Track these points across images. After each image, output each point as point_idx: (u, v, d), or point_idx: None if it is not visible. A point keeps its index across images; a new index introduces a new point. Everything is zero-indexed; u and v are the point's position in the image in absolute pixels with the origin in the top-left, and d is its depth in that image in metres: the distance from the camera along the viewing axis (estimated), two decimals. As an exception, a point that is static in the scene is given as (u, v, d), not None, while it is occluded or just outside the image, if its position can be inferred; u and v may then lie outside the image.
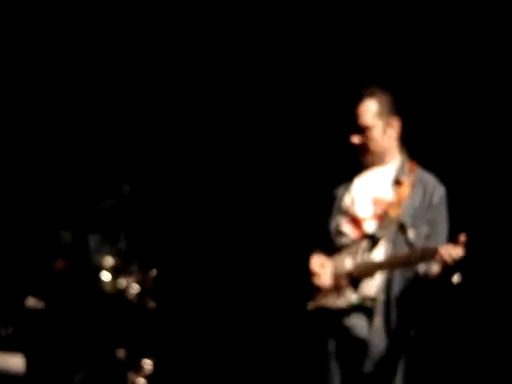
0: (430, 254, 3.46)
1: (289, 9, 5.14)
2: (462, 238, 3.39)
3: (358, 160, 3.75)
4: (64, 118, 5.54)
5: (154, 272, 4.53)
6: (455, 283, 3.47)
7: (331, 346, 3.69)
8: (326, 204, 3.81)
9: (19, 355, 4.28)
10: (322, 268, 3.69)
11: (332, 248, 3.75)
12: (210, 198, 5.51)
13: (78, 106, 5.54)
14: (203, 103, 5.54)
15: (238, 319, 5.30)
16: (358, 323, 3.66)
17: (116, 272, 4.53)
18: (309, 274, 3.72)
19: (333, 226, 3.76)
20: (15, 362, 4.24)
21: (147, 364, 4.28)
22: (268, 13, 5.21)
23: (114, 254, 5.14)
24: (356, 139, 3.68)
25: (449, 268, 3.42)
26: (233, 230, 5.40)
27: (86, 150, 5.50)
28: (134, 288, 4.48)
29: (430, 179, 3.74)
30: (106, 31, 5.38)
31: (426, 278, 3.59)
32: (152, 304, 4.46)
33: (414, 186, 3.69)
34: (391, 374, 3.63)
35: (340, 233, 3.75)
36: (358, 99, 3.68)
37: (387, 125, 3.69)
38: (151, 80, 5.54)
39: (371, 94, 3.67)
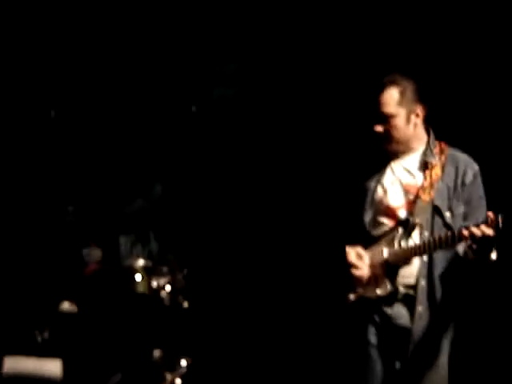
0: (458, 235, 3.42)
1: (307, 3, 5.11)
2: (491, 216, 3.34)
3: (384, 149, 3.71)
4: (94, 120, 5.56)
5: (185, 271, 4.52)
6: (492, 261, 3.42)
7: (372, 335, 3.68)
8: (359, 197, 3.78)
9: (56, 360, 4.30)
10: (359, 259, 3.69)
11: (370, 240, 3.73)
12: (239, 196, 5.50)
13: (109, 108, 5.56)
14: (225, 99, 5.53)
15: (276, 314, 5.27)
16: (399, 312, 3.64)
17: (148, 273, 4.53)
18: (347, 266, 3.71)
19: (368, 218, 3.75)
20: (52, 367, 4.26)
21: (183, 364, 4.28)
22: (286, 8, 5.18)
23: (146, 255, 5.17)
24: (380, 128, 3.65)
25: (477, 247, 3.39)
26: (268, 226, 5.37)
27: (117, 151, 5.51)
28: (167, 288, 4.48)
29: (462, 158, 3.70)
30: (126, 32, 5.38)
31: (466, 258, 3.54)
32: (185, 303, 4.45)
33: (444, 166, 3.66)
34: (435, 362, 3.61)
35: (376, 224, 3.74)
36: (380, 88, 3.64)
37: (411, 112, 3.65)
38: (174, 80, 5.54)
39: (393, 82, 3.64)
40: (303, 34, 5.24)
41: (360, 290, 3.70)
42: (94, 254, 4.90)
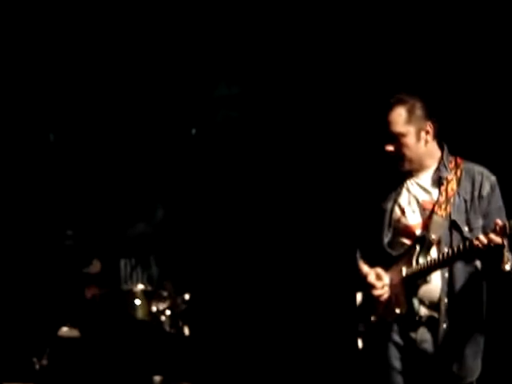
0: (470, 245, 3.35)
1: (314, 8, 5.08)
2: (499, 223, 3.28)
3: (398, 169, 3.66)
4: (95, 143, 5.55)
5: (186, 296, 4.48)
6: (506, 271, 3.34)
7: (396, 360, 3.60)
8: (376, 219, 3.71)
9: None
10: (379, 280, 3.62)
11: (389, 259, 3.66)
12: (243, 220, 5.46)
13: (110, 132, 5.56)
14: (229, 122, 5.50)
15: (283, 341, 5.23)
16: (423, 335, 3.57)
17: (147, 297, 4.49)
18: (367, 287, 3.65)
19: (387, 239, 3.68)
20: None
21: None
22: (293, 11, 5.15)
23: (146, 280, 5.13)
24: (391, 147, 3.60)
25: (486, 256, 3.34)
26: (275, 254, 5.33)
27: (119, 175, 5.49)
28: (167, 313, 4.44)
29: (478, 170, 3.63)
30: (127, 52, 5.37)
31: (484, 271, 3.50)
32: (185, 328, 4.41)
33: (460, 181, 3.61)
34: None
35: (396, 245, 3.67)
36: (388, 107, 3.59)
37: (420, 130, 3.59)
38: (175, 104, 5.53)
39: (400, 101, 3.58)
40: (308, 54, 5.22)
41: (380, 311, 3.65)
42: (94, 265, 4.86)
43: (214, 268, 5.35)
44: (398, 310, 3.58)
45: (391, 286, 3.62)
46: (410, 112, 3.58)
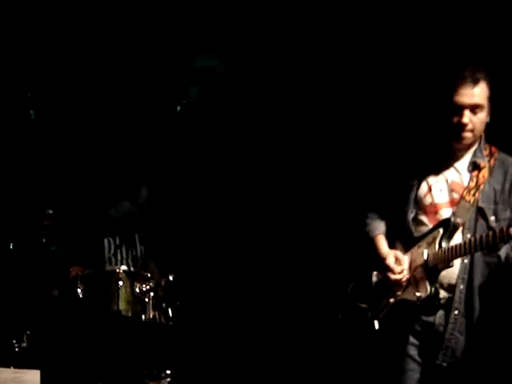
0: (502, 235, 3.32)
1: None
2: None
3: (451, 143, 3.62)
4: (79, 121, 5.44)
5: (170, 277, 4.38)
6: None
7: (412, 347, 3.62)
8: (403, 194, 3.72)
9: (35, 371, 4.14)
10: (398, 263, 3.62)
11: (411, 239, 3.67)
12: (232, 199, 5.36)
13: (94, 109, 5.45)
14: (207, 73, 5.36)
15: (275, 324, 5.15)
16: (442, 318, 3.56)
17: (131, 278, 4.39)
18: (385, 269, 3.66)
19: (411, 216, 3.68)
20: (31, 378, 4.10)
21: (166, 375, 4.14)
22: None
23: (130, 259, 5.03)
24: (467, 119, 3.55)
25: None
26: (263, 230, 5.25)
27: (103, 152, 5.36)
28: (150, 294, 4.33)
29: (511, 162, 3.64)
30: (108, 30, 5.26)
31: (507, 263, 3.49)
32: (169, 310, 4.31)
33: (493, 170, 3.61)
34: (472, 371, 3.54)
35: (418, 223, 3.68)
36: (473, 80, 3.53)
37: (489, 107, 3.62)
38: (158, 79, 5.41)
39: (484, 76, 3.58)
40: (295, 31, 5.11)
41: (399, 294, 3.63)
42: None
43: (199, 248, 5.25)
44: (418, 294, 3.54)
45: (412, 268, 3.61)
46: (489, 88, 3.59)
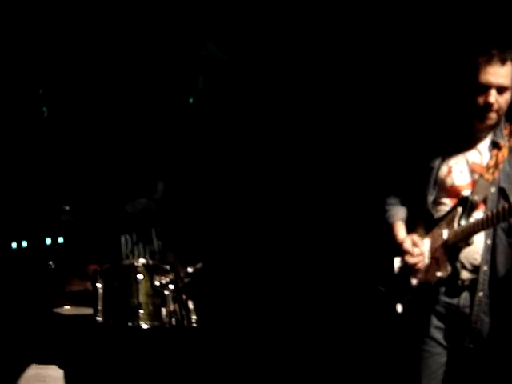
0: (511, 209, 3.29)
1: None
2: None
3: (468, 128, 3.58)
4: (94, 117, 5.44)
5: (189, 269, 4.35)
6: None
7: (435, 330, 3.58)
8: (423, 176, 3.68)
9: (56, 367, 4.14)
10: (416, 246, 3.59)
11: (432, 221, 3.63)
12: (248, 192, 5.34)
13: (108, 106, 5.45)
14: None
15: (292, 316, 5.15)
16: (466, 299, 3.52)
17: (149, 272, 4.36)
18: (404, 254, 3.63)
19: (431, 198, 3.65)
20: (53, 374, 4.10)
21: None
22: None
23: (147, 254, 5.02)
24: (493, 98, 3.50)
25: None
26: (277, 223, 5.24)
27: (118, 149, 5.37)
28: (170, 287, 4.31)
29: None
30: (114, 26, 5.25)
31: None
32: (189, 302, 4.29)
33: None
34: (497, 350, 3.49)
35: (438, 204, 3.64)
36: (501, 59, 3.46)
37: None
38: (170, 74, 5.39)
39: (511, 57, 3.51)
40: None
41: (421, 276, 3.60)
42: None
43: (217, 240, 5.23)
44: (439, 274, 3.51)
45: (432, 249, 3.58)
46: None
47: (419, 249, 3.59)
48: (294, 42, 5.19)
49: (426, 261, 3.58)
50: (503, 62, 3.47)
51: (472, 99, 3.52)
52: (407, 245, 3.61)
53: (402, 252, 3.64)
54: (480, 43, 3.64)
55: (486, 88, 3.48)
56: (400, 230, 3.73)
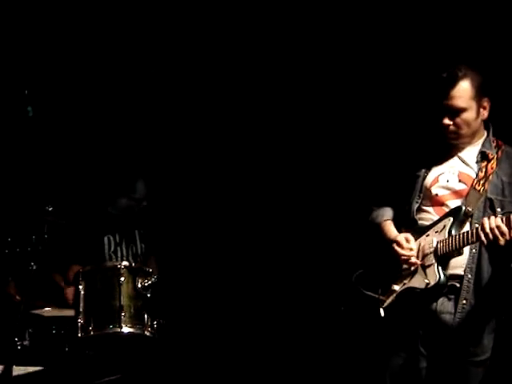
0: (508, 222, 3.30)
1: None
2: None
3: (447, 142, 3.60)
4: (75, 118, 5.41)
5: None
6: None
7: (419, 328, 3.57)
8: (409, 184, 3.70)
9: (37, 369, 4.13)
10: (408, 241, 3.59)
11: (416, 229, 3.64)
12: (230, 194, 5.34)
13: (90, 107, 5.42)
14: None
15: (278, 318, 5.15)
16: (444, 306, 3.54)
17: (133, 274, 4.36)
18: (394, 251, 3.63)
19: (415, 206, 3.66)
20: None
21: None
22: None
23: (131, 256, 5.01)
24: (449, 121, 3.54)
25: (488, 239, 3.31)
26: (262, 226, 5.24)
27: (98, 149, 5.35)
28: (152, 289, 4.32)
29: None
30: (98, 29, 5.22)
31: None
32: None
33: (500, 161, 3.58)
34: (476, 356, 3.51)
35: (423, 213, 3.66)
36: (451, 81, 3.50)
37: (480, 106, 3.56)
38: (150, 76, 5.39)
39: (466, 75, 3.51)
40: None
41: (406, 282, 3.60)
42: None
43: (198, 242, 5.23)
44: (427, 281, 3.51)
45: (420, 256, 3.57)
46: (474, 87, 3.52)
47: (410, 245, 3.58)
48: (291, 53, 5.19)
49: (418, 261, 3.57)
50: (452, 83, 3.49)
51: (434, 120, 3.57)
52: (400, 238, 3.60)
53: (392, 251, 3.62)
54: (433, 67, 3.69)
55: (441, 111, 3.52)
56: (391, 228, 3.72)
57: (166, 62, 5.40)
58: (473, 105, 3.52)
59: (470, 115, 3.53)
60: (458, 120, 3.52)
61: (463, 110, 3.51)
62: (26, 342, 4.25)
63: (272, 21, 5.13)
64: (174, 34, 5.31)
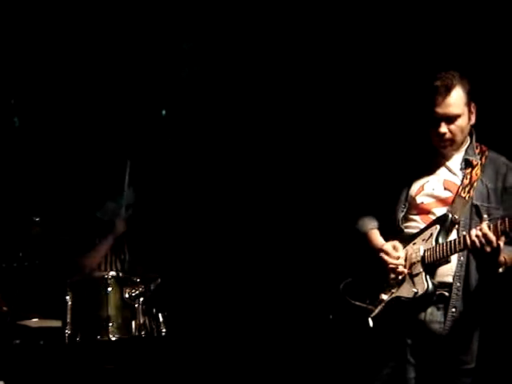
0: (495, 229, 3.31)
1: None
2: (500, 224, 3.28)
3: (438, 150, 3.61)
4: (60, 125, 5.41)
5: (158, 281, 4.37)
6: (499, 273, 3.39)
7: (407, 338, 3.57)
8: (394, 193, 3.70)
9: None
10: (395, 249, 3.58)
11: (402, 238, 3.64)
12: (219, 200, 5.34)
13: (75, 113, 5.41)
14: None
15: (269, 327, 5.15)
16: (433, 315, 3.53)
17: (120, 284, 4.37)
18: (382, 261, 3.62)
19: (401, 214, 3.66)
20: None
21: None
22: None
23: (119, 262, 5.02)
24: (445, 129, 3.54)
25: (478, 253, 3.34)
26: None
27: (89, 154, 5.35)
28: (140, 299, 4.33)
29: (502, 161, 3.62)
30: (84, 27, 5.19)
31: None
32: (159, 315, 4.30)
33: (484, 167, 3.60)
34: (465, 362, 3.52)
35: (409, 221, 3.66)
36: (446, 88, 3.49)
37: (470, 111, 3.58)
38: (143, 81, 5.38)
39: (458, 82, 3.52)
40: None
41: (394, 291, 3.59)
42: None
43: (185, 251, 5.24)
44: (414, 290, 3.51)
45: (407, 265, 3.57)
46: (465, 92, 3.54)
47: (398, 254, 3.58)
48: (284, 58, 5.19)
49: (406, 270, 3.56)
50: (447, 91, 3.50)
51: (427, 129, 3.58)
52: (387, 247, 3.60)
53: (379, 260, 3.61)
54: (424, 76, 3.70)
55: (435, 119, 3.52)
56: (378, 237, 3.71)
57: (156, 64, 5.39)
58: (465, 111, 3.55)
59: (463, 121, 3.55)
60: (452, 127, 3.54)
61: (458, 116, 3.53)
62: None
63: (272, 21, 5.12)
64: (172, 34, 5.31)
